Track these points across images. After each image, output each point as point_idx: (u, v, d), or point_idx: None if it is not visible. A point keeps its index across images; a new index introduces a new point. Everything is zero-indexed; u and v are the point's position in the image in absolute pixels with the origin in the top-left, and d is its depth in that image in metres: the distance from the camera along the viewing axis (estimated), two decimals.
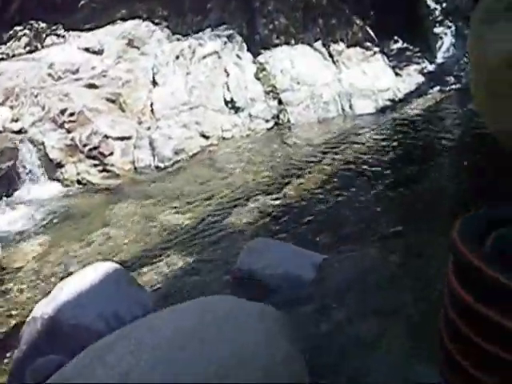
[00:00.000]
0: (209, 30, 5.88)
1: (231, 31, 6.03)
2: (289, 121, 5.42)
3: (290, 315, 2.37)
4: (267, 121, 5.36)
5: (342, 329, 2.30)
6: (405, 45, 7.08)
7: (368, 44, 6.66)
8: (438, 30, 6.57)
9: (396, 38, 7.15)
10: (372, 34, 6.91)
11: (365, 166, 4.20)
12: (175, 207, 3.83)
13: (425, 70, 6.31)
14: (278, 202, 3.72)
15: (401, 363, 2.01)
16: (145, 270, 3.05)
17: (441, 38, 6.50)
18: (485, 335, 0.84)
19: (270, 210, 3.50)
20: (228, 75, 5.55)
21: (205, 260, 3.04)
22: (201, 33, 5.80)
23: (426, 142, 4.61)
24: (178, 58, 5.50)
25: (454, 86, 5.86)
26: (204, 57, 5.51)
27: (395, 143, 4.63)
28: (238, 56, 5.81)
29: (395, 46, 7.01)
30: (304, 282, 2.54)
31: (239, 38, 5.99)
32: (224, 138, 5.29)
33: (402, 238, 2.90)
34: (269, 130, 5.33)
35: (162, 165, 4.79)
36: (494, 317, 0.82)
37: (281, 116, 5.45)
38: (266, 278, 2.60)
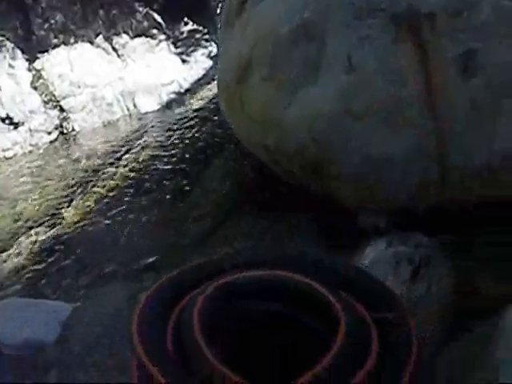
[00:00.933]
0: None
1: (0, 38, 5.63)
2: (73, 129, 5.24)
3: None
4: (49, 133, 5.13)
5: None
6: (194, 26, 7.05)
7: (154, 32, 6.55)
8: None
9: (186, 19, 7.09)
10: (159, 19, 6.79)
11: (146, 176, 4.18)
12: None
13: (212, 54, 6.35)
14: (49, 235, 3.61)
15: None
16: None
17: None
18: None
19: (35, 252, 3.38)
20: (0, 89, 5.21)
21: None
22: None
23: (210, 139, 4.65)
24: None
25: None
26: None
27: (179, 144, 4.63)
28: (10, 65, 5.45)
29: (185, 29, 6.95)
30: (45, 346, 2.50)
31: (11, 45, 5.61)
32: (6, 158, 5.01)
33: (155, 272, 2.94)
34: (52, 142, 5.12)
35: None
36: None
37: (64, 125, 5.25)
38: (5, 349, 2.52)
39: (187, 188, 3.62)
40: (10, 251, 3.47)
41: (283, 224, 3.04)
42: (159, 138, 4.87)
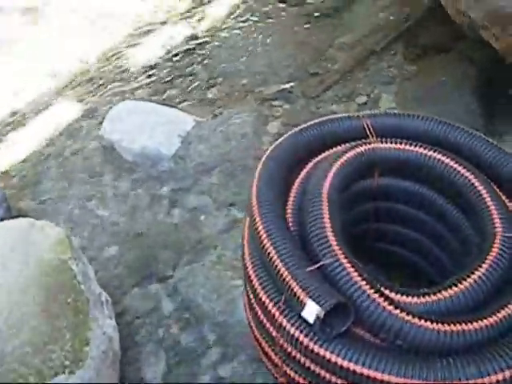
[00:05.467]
0: None
1: None
2: None
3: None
4: None
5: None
6: None
7: None
8: None
9: None
10: None
11: None
12: None
13: None
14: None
15: None
16: None
17: None
18: None
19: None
20: None
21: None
22: None
23: None
24: None
25: None
26: None
27: None
28: None
29: None
30: (162, 158, 2.43)
31: None
32: None
33: (286, 100, 2.69)
34: None
35: None
36: None
37: None
38: (123, 152, 2.48)
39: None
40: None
41: (446, 75, 2.61)
42: None
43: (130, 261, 2.13)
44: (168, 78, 2.94)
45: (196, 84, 2.89)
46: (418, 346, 1.22)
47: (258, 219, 1.44)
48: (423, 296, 1.35)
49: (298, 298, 1.30)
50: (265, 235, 1.41)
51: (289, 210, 1.53)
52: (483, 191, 1.51)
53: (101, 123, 2.64)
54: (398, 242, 1.81)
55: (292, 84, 2.75)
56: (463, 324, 1.24)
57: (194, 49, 3.10)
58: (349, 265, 1.34)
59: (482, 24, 2.36)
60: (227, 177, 2.39)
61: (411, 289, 1.39)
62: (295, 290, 1.31)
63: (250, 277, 1.47)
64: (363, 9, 3.12)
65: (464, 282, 1.33)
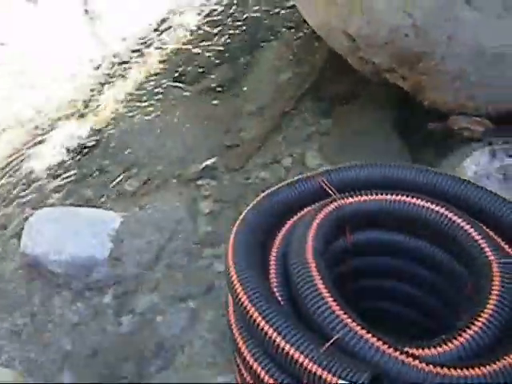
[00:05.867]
0: None
1: None
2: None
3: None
4: None
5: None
6: None
7: None
8: None
9: None
10: None
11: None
12: None
13: None
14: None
15: None
16: None
17: None
18: None
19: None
20: None
21: None
22: None
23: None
24: None
25: None
26: None
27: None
28: None
29: None
30: (97, 263, 2.21)
31: None
32: None
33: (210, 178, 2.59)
34: None
35: None
36: None
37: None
38: (51, 266, 2.23)
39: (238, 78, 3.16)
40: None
41: (361, 122, 2.64)
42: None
43: None
44: (77, 178, 2.73)
45: (109, 179, 2.71)
46: None
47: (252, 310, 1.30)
48: (440, 346, 1.26)
49: (325, 381, 1.15)
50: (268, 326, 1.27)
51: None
52: (465, 225, 1.47)
53: (15, 238, 2.38)
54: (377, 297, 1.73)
55: (213, 160, 2.66)
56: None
57: (97, 142, 2.93)
58: (364, 331, 1.23)
59: (389, 67, 2.44)
60: (172, 269, 2.22)
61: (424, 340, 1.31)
62: (319, 374, 1.16)
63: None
64: (261, 75, 3.13)
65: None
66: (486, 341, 1.24)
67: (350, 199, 1.58)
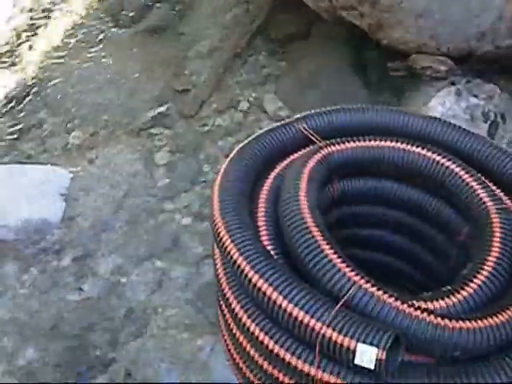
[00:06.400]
0: None
1: None
2: None
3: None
4: None
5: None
6: None
7: None
8: None
9: None
10: None
11: None
12: None
13: None
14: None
15: None
16: None
17: None
18: None
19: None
20: None
21: None
22: None
23: None
24: None
25: None
26: None
27: None
28: None
29: None
30: (50, 225, 2.03)
31: None
32: None
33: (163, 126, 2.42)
34: None
35: None
36: None
37: None
38: (0, 232, 2.02)
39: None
40: None
41: (317, 63, 2.53)
42: None
43: (54, 361, 1.72)
44: (14, 133, 2.48)
45: (49, 131, 2.48)
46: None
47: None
48: (448, 297, 1.22)
49: (342, 345, 1.09)
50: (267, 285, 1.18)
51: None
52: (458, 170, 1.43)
53: None
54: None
55: (164, 107, 2.48)
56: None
57: (31, 94, 2.66)
58: (374, 289, 1.17)
59: (347, 5, 2.32)
60: (133, 225, 2.07)
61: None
62: (335, 338, 1.09)
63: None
64: (205, 15, 2.93)
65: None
66: (495, 289, 1.21)
67: (338, 146, 1.49)
